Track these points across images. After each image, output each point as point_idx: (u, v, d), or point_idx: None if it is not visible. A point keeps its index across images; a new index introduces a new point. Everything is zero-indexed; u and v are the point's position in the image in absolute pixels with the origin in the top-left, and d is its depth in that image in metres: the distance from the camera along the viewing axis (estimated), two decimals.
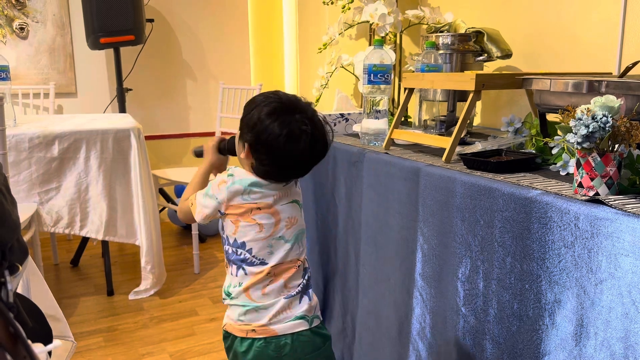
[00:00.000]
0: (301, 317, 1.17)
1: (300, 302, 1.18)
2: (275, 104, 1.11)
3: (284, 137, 1.08)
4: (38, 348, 0.54)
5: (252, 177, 1.15)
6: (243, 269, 1.17)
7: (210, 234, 3.48)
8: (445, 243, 1.28)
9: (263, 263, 1.16)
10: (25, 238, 2.14)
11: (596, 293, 0.90)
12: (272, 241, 1.16)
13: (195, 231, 2.90)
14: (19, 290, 0.74)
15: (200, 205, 1.19)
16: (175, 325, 2.33)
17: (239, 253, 1.17)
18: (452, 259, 1.26)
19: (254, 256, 1.16)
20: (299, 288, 1.18)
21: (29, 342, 0.50)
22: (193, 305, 2.52)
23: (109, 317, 2.40)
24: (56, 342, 0.62)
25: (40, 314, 0.74)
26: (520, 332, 1.07)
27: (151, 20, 3.41)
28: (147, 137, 3.07)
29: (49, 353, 0.67)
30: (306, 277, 1.21)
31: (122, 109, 3.27)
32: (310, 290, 1.22)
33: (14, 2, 3.19)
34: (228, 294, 1.20)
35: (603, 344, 0.89)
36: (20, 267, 0.61)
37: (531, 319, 1.04)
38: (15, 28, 3.22)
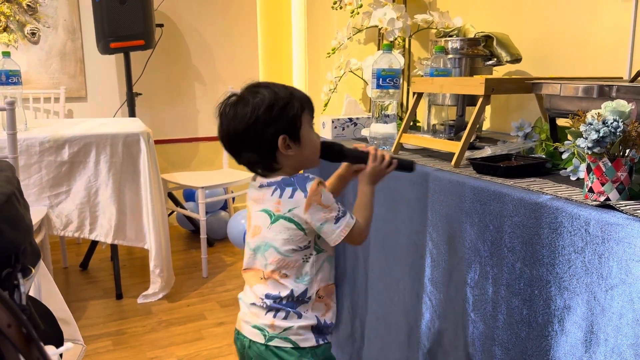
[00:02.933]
0: (259, 329, 1.14)
1: (265, 315, 1.14)
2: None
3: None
4: (50, 350, 0.55)
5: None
6: None
7: (218, 238, 3.49)
8: (455, 248, 1.28)
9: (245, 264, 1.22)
10: (36, 241, 2.16)
11: (607, 299, 0.90)
12: (245, 245, 1.21)
13: (203, 235, 2.91)
14: (30, 293, 0.74)
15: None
16: (183, 329, 2.33)
17: None
18: (461, 264, 1.25)
19: None
20: (268, 301, 1.13)
21: (42, 344, 0.50)
22: (201, 309, 2.53)
23: (118, 321, 2.41)
24: (67, 345, 0.62)
25: (52, 317, 0.75)
26: (529, 338, 1.06)
27: (161, 25, 3.43)
28: (156, 141, 3.09)
29: (60, 355, 0.67)
30: (275, 298, 1.13)
31: (132, 113, 3.29)
32: (286, 312, 1.13)
33: (25, 7, 3.23)
34: None
35: (614, 351, 0.88)
36: (33, 270, 0.62)
37: (540, 325, 1.04)
38: (27, 33, 3.26)
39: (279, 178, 1.12)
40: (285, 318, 1.13)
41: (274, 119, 1.08)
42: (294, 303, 1.14)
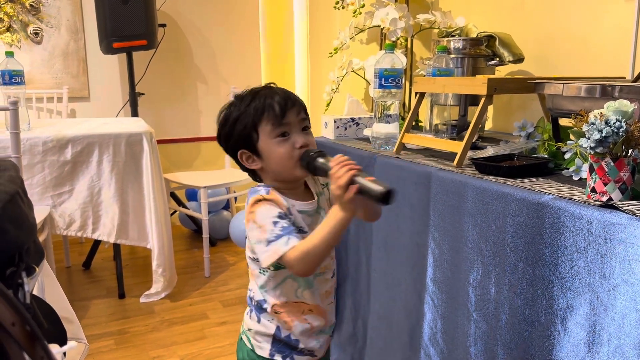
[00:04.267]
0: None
1: (246, 308, 1.21)
2: None
3: None
4: (54, 349, 0.55)
5: None
6: None
7: (220, 237, 3.49)
8: (457, 248, 1.28)
9: None
10: None
11: (609, 299, 0.90)
12: None
13: (205, 234, 2.91)
14: (34, 292, 0.75)
15: None
16: (185, 329, 2.34)
17: None
18: (463, 264, 1.25)
19: None
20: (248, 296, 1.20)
21: (46, 342, 0.50)
22: (204, 308, 2.53)
23: (120, 320, 2.41)
24: (71, 344, 0.62)
25: (55, 316, 0.75)
26: (532, 338, 1.06)
27: (163, 25, 3.44)
28: (159, 141, 3.09)
29: (64, 354, 0.67)
30: (249, 294, 1.18)
31: (135, 113, 3.30)
32: (251, 311, 1.17)
33: (28, 7, 3.23)
34: None
35: (616, 351, 0.88)
36: (37, 269, 0.62)
37: (543, 325, 1.04)
38: (30, 33, 3.27)
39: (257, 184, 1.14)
40: (250, 318, 1.17)
41: (228, 135, 1.11)
42: (256, 306, 1.16)
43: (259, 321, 1.15)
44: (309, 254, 0.98)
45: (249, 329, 1.17)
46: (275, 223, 1.02)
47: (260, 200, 1.05)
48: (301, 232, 1.07)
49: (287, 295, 1.12)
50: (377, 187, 0.90)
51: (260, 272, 1.12)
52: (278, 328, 1.13)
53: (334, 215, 0.97)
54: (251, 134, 1.07)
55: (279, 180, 1.10)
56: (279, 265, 1.05)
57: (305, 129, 1.09)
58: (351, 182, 0.93)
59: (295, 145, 1.05)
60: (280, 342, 1.14)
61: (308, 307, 1.13)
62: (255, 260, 1.09)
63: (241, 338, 1.21)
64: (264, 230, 1.02)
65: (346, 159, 0.96)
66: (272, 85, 1.14)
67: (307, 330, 1.14)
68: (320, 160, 1.01)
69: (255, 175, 1.15)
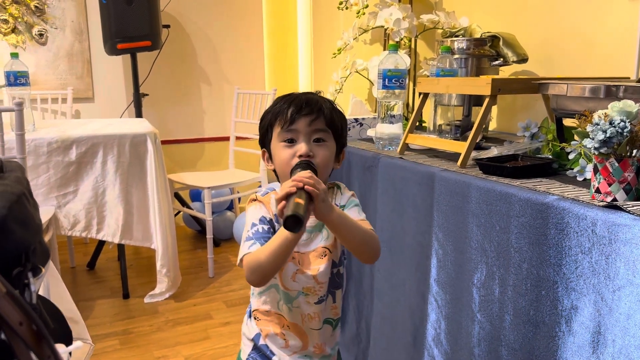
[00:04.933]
0: None
1: None
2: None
3: None
4: (60, 348, 0.55)
5: None
6: None
7: (224, 238, 3.50)
8: (461, 249, 1.27)
9: None
10: None
11: (614, 300, 0.90)
12: None
13: (209, 235, 2.92)
14: (40, 292, 0.75)
15: None
16: (190, 329, 2.34)
17: None
18: (467, 265, 1.25)
19: None
20: None
21: (52, 342, 0.51)
22: (208, 309, 2.54)
23: (125, 320, 2.42)
24: (77, 343, 0.63)
25: (61, 316, 0.76)
26: (536, 339, 1.06)
27: (167, 26, 3.45)
28: (163, 142, 3.10)
29: (69, 354, 0.68)
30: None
31: (139, 114, 3.30)
32: (246, 313, 1.19)
33: (33, 8, 3.25)
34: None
35: (621, 352, 0.88)
36: (43, 269, 0.62)
37: (547, 326, 1.03)
38: (35, 34, 3.28)
39: None
40: (244, 321, 1.18)
41: (259, 130, 1.12)
42: (249, 308, 1.16)
43: (246, 323, 1.16)
44: (256, 265, 0.96)
45: (242, 330, 1.20)
46: (253, 225, 1.03)
47: (254, 200, 1.07)
48: None
49: (271, 304, 1.10)
50: (287, 210, 0.85)
51: None
52: (257, 334, 1.12)
53: (280, 231, 0.94)
54: (268, 133, 1.09)
55: None
56: None
57: (319, 140, 1.04)
58: (286, 197, 0.88)
59: (297, 153, 1.02)
60: (257, 349, 1.12)
61: (286, 323, 1.10)
62: None
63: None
64: (245, 229, 1.04)
65: (306, 176, 0.91)
66: (314, 92, 1.11)
67: (282, 346, 1.11)
68: (296, 170, 0.98)
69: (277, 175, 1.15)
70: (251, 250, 0.98)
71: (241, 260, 1.00)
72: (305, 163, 1.00)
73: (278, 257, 0.95)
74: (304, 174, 0.92)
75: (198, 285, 2.82)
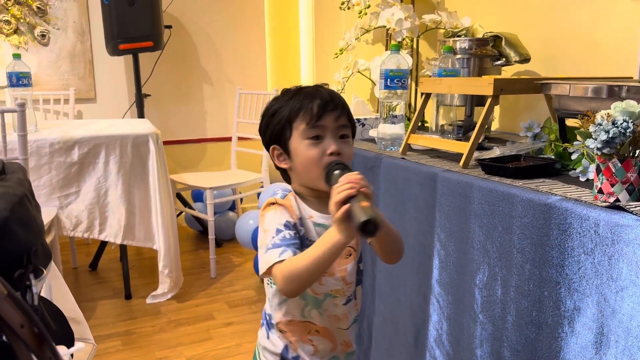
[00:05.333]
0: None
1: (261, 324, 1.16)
2: (280, 94, 1.07)
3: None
4: (62, 350, 0.55)
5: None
6: None
7: (226, 238, 3.50)
8: (463, 249, 1.27)
9: None
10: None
11: (617, 301, 0.89)
12: None
13: (211, 236, 2.92)
14: (41, 294, 0.75)
15: None
16: (192, 329, 2.34)
17: None
18: (469, 266, 1.25)
19: None
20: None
21: (53, 344, 0.51)
22: (210, 309, 2.54)
23: (127, 321, 2.42)
24: (79, 345, 0.63)
25: (63, 317, 0.76)
26: (539, 340, 1.06)
27: (169, 27, 3.45)
28: (165, 142, 3.10)
29: (71, 355, 0.68)
30: (264, 310, 1.13)
31: (141, 115, 3.31)
32: (264, 328, 1.12)
33: (35, 9, 3.25)
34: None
35: (624, 353, 0.88)
36: (45, 271, 0.62)
37: (550, 327, 1.03)
38: (37, 35, 3.28)
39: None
40: (261, 332, 1.12)
41: (265, 127, 1.05)
42: (267, 321, 1.10)
43: (267, 337, 1.09)
44: (294, 273, 0.90)
45: (259, 345, 1.12)
46: (278, 231, 0.96)
47: (273, 204, 1.01)
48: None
49: (293, 314, 1.05)
50: (359, 214, 0.82)
51: (268, 284, 1.06)
52: (286, 347, 1.06)
53: (329, 237, 0.89)
54: (285, 130, 1.01)
55: (304, 186, 1.04)
56: None
57: (344, 137, 1.01)
58: (346, 201, 0.85)
59: (327, 151, 0.98)
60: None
61: (315, 328, 1.05)
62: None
63: (255, 353, 1.14)
64: (267, 235, 0.97)
65: (359, 178, 0.88)
66: (321, 85, 1.06)
67: (311, 353, 1.06)
68: (336, 172, 0.94)
69: (285, 175, 1.08)
70: (283, 257, 0.92)
71: (269, 269, 0.93)
72: (342, 164, 0.96)
73: (324, 264, 0.90)
74: (356, 176, 0.88)
75: (200, 285, 2.82)
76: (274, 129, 1.02)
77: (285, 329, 1.06)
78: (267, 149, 1.07)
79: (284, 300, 1.05)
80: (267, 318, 1.10)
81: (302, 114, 0.99)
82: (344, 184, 0.87)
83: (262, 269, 0.95)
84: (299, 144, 1.00)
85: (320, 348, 1.07)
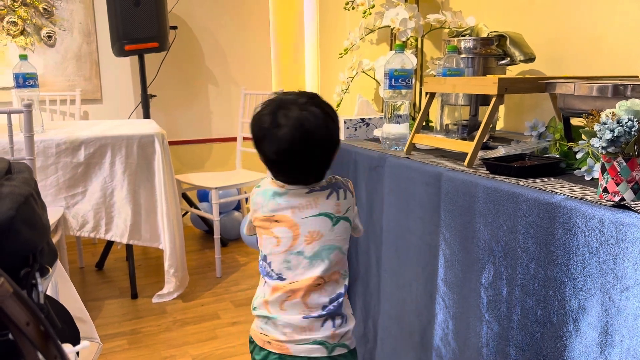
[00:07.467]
0: (320, 343, 1.12)
1: (322, 326, 1.12)
2: (267, 104, 1.12)
3: (268, 125, 1.09)
4: (67, 348, 0.56)
5: (274, 187, 1.16)
6: (266, 281, 1.17)
7: (231, 238, 3.51)
8: (468, 248, 1.27)
9: (281, 278, 1.14)
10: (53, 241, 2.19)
11: (622, 300, 0.89)
12: (290, 256, 1.13)
13: (217, 235, 2.92)
14: (47, 293, 0.76)
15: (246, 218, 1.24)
16: (197, 329, 2.35)
17: (263, 266, 1.17)
18: (474, 265, 1.25)
19: (272, 270, 1.15)
20: (322, 310, 1.12)
21: (59, 342, 0.51)
22: (215, 308, 2.55)
23: (133, 320, 2.43)
24: (84, 343, 0.64)
25: (69, 316, 0.76)
26: (544, 339, 1.06)
27: (174, 28, 3.46)
28: (171, 143, 3.12)
29: (77, 353, 0.68)
30: (335, 299, 1.14)
31: (147, 115, 3.32)
32: (339, 316, 1.14)
33: (41, 10, 3.27)
34: (253, 306, 1.20)
35: (629, 352, 0.88)
36: (50, 270, 0.63)
37: (555, 326, 1.03)
38: (43, 36, 3.30)
39: (324, 183, 1.17)
40: (341, 325, 1.15)
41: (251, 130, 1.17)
42: (343, 303, 1.16)
43: (349, 319, 1.19)
44: None
45: (344, 334, 1.16)
46: None
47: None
48: None
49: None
50: None
51: (344, 255, 1.20)
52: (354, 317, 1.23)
53: None
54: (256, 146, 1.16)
55: None
56: None
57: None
58: None
59: None
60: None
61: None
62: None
63: (331, 357, 1.14)
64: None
65: None
66: (302, 105, 1.09)
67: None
68: None
69: (324, 172, 1.21)
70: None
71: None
72: None
73: None
74: None
75: (206, 285, 2.82)
76: (253, 139, 1.15)
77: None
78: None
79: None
80: (344, 298, 1.19)
81: (263, 144, 1.12)
82: None
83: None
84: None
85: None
